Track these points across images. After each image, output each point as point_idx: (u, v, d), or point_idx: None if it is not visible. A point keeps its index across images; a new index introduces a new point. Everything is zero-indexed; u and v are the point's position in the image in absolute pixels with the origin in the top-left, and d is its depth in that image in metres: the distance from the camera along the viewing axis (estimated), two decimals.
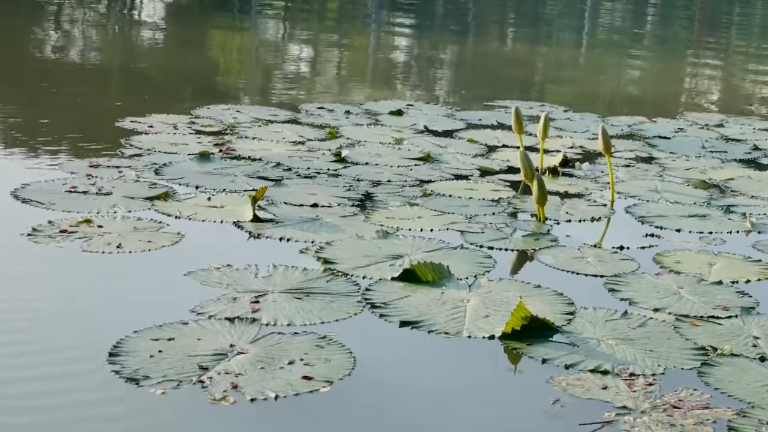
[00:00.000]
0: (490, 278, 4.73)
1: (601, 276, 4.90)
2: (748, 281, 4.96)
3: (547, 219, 5.75)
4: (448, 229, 5.48)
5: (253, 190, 5.72)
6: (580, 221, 5.84)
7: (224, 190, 5.85)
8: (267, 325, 4.01)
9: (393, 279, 4.60)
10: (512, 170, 6.78)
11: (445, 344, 4.02)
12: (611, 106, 10.43)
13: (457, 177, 6.60)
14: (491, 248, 5.20)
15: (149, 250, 4.78)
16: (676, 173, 7.18)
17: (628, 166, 7.32)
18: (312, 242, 5.06)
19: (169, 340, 3.78)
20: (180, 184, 5.88)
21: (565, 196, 6.34)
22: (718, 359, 4.01)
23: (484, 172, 6.80)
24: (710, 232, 5.77)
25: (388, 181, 6.34)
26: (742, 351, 4.11)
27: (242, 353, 3.73)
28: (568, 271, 4.96)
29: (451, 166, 6.88)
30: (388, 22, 17.56)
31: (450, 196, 6.10)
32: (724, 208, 6.26)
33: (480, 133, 8.06)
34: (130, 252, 4.73)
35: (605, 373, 3.81)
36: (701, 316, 4.44)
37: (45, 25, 13.49)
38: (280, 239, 5.09)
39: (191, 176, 6.05)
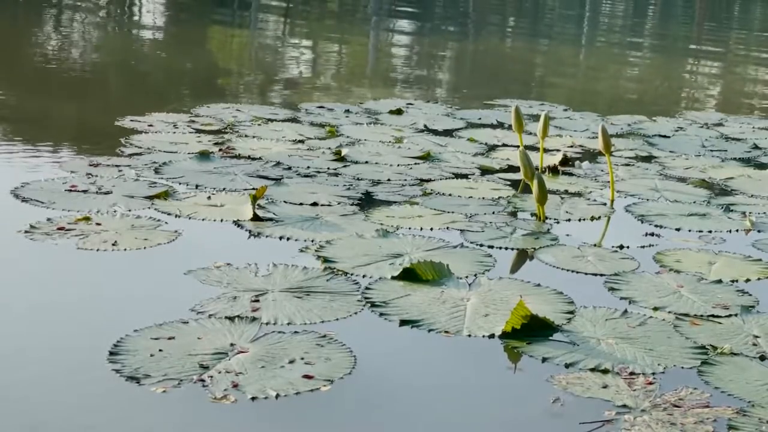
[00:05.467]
0: (490, 277, 4.73)
1: (601, 275, 4.90)
2: (748, 280, 4.96)
3: (547, 218, 5.75)
4: (448, 228, 5.48)
5: (253, 188, 5.72)
6: (580, 220, 5.85)
7: (224, 189, 5.85)
8: (267, 324, 4.01)
9: (393, 278, 4.60)
10: (512, 169, 6.79)
11: (445, 343, 4.02)
12: (611, 105, 10.43)
13: (457, 176, 6.61)
14: (491, 247, 5.20)
15: (144, 248, 4.78)
16: (676, 172, 7.18)
17: (628, 164, 7.32)
18: (312, 241, 5.06)
19: (170, 339, 3.78)
20: (180, 183, 5.88)
21: (565, 195, 6.34)
22: (718, 358, 4.01)
23: (484, 171, 6.80)
24: (710, 231, 5.77)
25: (388, 180, 6.34)
26: (742, 350, 4.11)
27: (242, 352, 3.73)
28: (568, 270, 4.96)
29: (451, 165, 6.89)
30: (388, 20, 17.55)
31: (450, 195, 6.10)
32: (723, 207, 6.27)
33: (480, 132, 8.06)
34: (125, 250, 4.73)
35: (605, 371, 3.81)
36: (701, 315, 4.44)
37: (45, 24, 13.49)
38: (280, 238, 5.09)
39: (191, 175, 6.05)
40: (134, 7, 16.39)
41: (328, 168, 6.50)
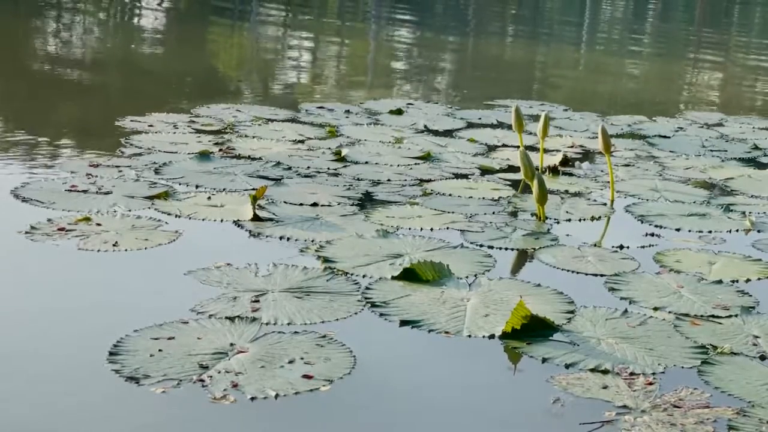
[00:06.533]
0: (490, 277, 4.73)
1: (601, 275, 4.90)
2: (748, 280, 4.96)
3: (547, 218, 5.75)
4: (448, 228, 5.48)
5: (253, 189, 5.72)
6: (580, 220, 5.84)
7: (224, 189, 5.85)
8: (267, 324, 4.01)
9: (393, 278, 4.60)
10: (512, 169, 6.79)
11: (445, 343, 4.02)
12: (611, 105, 10.43)
13: (457, 176, 6.60)
14: (491, 247, 5.20)
15: (145, 248, 4.79)
16: (676, 172, 7.18)
17: (628, 165, 7.32)
18: (312, 241, 5.06)
19: (170, 339, 3.78)
20: (180, 184, 5.88)
21: (565, 195, 6.34)
22: (718, 358, 4.01)
23: (484, 171, 6.80)
24: (710, 231, 5.77)
25: (388, 180, 6.34)
26: (742, 350, 4.11)
27: (242, 352, 3.73)
28: (568, 270, 4.96)
29: (451, 165, 6.88)
30: (389, 20, 17.56)
31: (450, 195, 6.10)
32: (723, 207, 6.26)
33: (480, 132, 8.06)
34: (126, 250, 4.73)
35: (605, 372, 3.81)
36: (701, 315, 4.44)
37: (44, 24, 13.49)
38: (280, 238, 5.09)
39: (191, 175, 6.05)
40: (134, 6, 16.40)
41: (328, 168, 6.50)
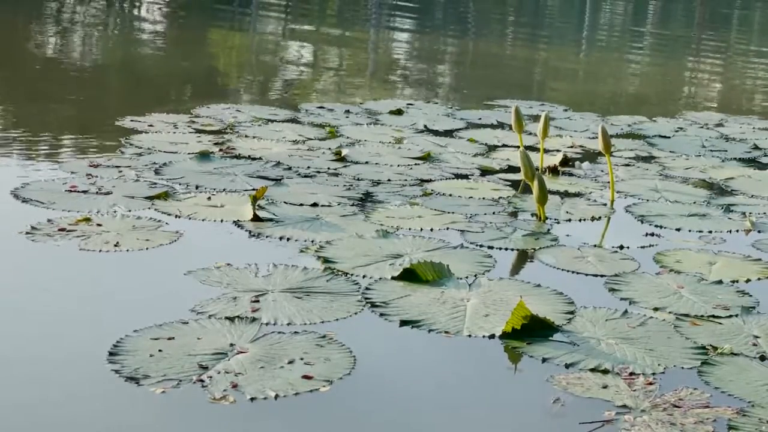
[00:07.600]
0: (490, 277, 4.73)
1: (602, 275, 4.90)
2: (748, 280, 4.96)
3: (547, 218, 5.75)
4: (448, 228, 5.48)
5: (253, 189, 5.72)
6: (580, 220, 5.84)
7: (224, 189, 5.85)
8: (267, 324, 4.01)
9: (393, 278, 4.60)
10: (512, 169, 6.79)
11: (445, 343, 4.02)
12: (611, 106, 10.43)
13: (458, 176, 6.60)
14: (491, 247, 5.19)
15: (147, 248, 4.79)
16: (676, 172, 7.18)
17: (628, 165, 7.32)
18: (312, 241, 5.06)
19: (169, 339, 3.78)
20: (180, 184, 5.88)
21: (565, 195, 6.34)
22: (718, 358, 4.01)
23: (485, 172, 6.80)
24: (710, 232, 5.77)
25: (388, 180, 6.34)
26: (742, 350, 4.11)
27: (242, 352, 3.73)
28: (568, 271, 4.96)
29: (451, 165, 6.88)
30: (389, 20, 17.56)
31: (450, 195, 6.10)
32: (723, 208, 6.26)
33: (480, 132, 8.06)
34: (127, 250, 4.73)
35: (605, 372, 3.81)
36: (701, 316, 4.44)
37: (45, 24, 13.49)
38: (280, 238, 5.09)
39: (191, 175, 6.05)
40: (134, 7, 16.40)
41: (328, 168, 6.50)
